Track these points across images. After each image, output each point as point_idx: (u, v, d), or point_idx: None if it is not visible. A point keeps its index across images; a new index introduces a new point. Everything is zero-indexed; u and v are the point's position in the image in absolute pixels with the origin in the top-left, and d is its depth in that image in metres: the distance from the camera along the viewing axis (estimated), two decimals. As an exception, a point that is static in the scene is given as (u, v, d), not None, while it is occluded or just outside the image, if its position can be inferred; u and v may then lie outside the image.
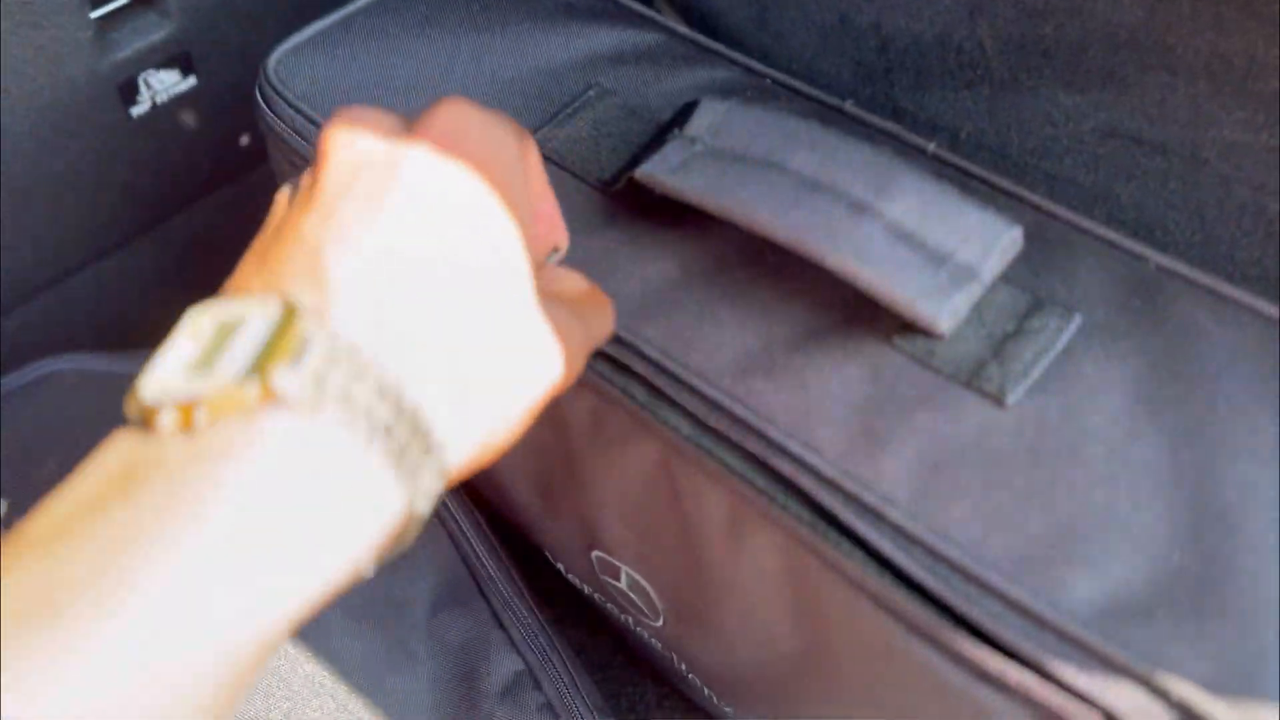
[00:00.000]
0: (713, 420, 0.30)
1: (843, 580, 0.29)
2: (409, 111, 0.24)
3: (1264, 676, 0.24)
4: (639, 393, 0.32)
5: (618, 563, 0.39)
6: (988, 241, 0.30)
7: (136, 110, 0.53)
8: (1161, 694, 0.24)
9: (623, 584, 0.40)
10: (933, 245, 0.30)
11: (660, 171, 0.33)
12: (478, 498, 0.45)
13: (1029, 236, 0.32)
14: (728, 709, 0.41)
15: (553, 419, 0.35)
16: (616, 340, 0.32)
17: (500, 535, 0.45)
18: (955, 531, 0.27)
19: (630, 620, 0.42)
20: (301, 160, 0.39)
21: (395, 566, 0.41)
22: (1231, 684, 0.24)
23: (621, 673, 0.47)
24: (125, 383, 0.46)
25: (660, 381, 0.31)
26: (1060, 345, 0.30)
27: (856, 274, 0.29)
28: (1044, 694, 0.25)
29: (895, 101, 0.42)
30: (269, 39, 0.56)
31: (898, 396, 0.29)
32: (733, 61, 0.40)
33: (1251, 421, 0.28)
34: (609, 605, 0.43)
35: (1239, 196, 0.35)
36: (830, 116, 0.37)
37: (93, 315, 0.58)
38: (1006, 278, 0.31)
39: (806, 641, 0.32)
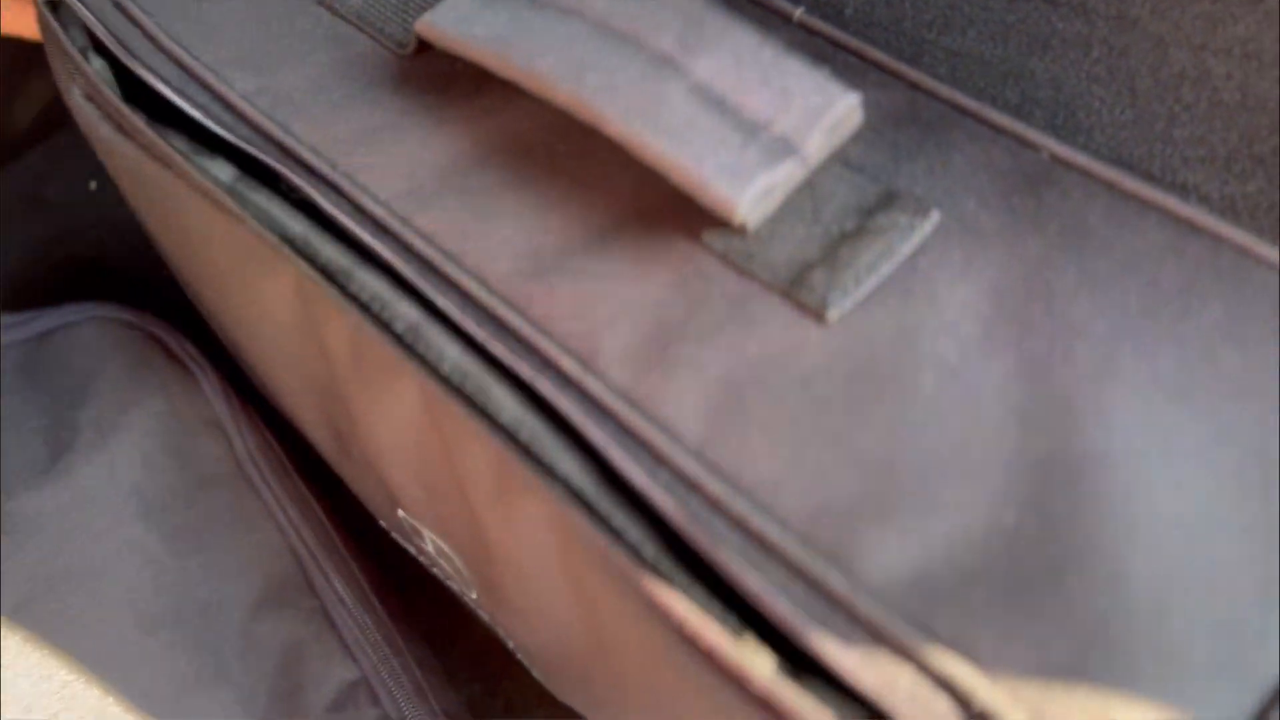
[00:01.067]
0: (480, 334, 0.24)
1: (610, 572, 0.23)
2: None
3: (1086, 672, 0.18)
4: (404, 311, 0.26)
5: (419, 524, 0.33)
6: (813, 110, 0.23)
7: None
8: (958, 696, 0.18)
9: (430, 549, 0.34)
10: (746, 113, 0.23)
11: (442, 22, 0.27)
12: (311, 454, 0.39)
13: (899, 119, 0.25)
14: (553, 688, 0.36)
15: (316, 342, 0.29)
16: (381, 230, 0.26)
17: (343, 515, 0.39)
18: (747, 476, 0.21)
19: (457, 588, 0.36)
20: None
21: (203, 564, 0.35)
22: (1048, 682, 0.18)
23: (495, 661, 0.40)
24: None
25: (425, 284, 0.25)
26: (907, 249, 0.23)
27: (641, 144, 0.23)
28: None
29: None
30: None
31: (704, 308, 0.23)
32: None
33: (1134, 349, 0.22)
34: (436, 570, 0.36)
35: (1176, 61, 0.29)
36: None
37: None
38: (858, 166, 0.25)
39: (591, 633, 0.26)
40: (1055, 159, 0.26)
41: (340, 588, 0.36)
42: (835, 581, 0.20)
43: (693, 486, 0.21)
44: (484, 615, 0.36)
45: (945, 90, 0.27)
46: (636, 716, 0.28)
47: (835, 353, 0.22)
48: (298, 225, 0.28)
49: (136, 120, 0.31)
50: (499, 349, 0.24)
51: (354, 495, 0.39)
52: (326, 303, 0.27)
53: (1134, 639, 0.19)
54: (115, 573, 0.34)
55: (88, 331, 0.40)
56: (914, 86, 0.27)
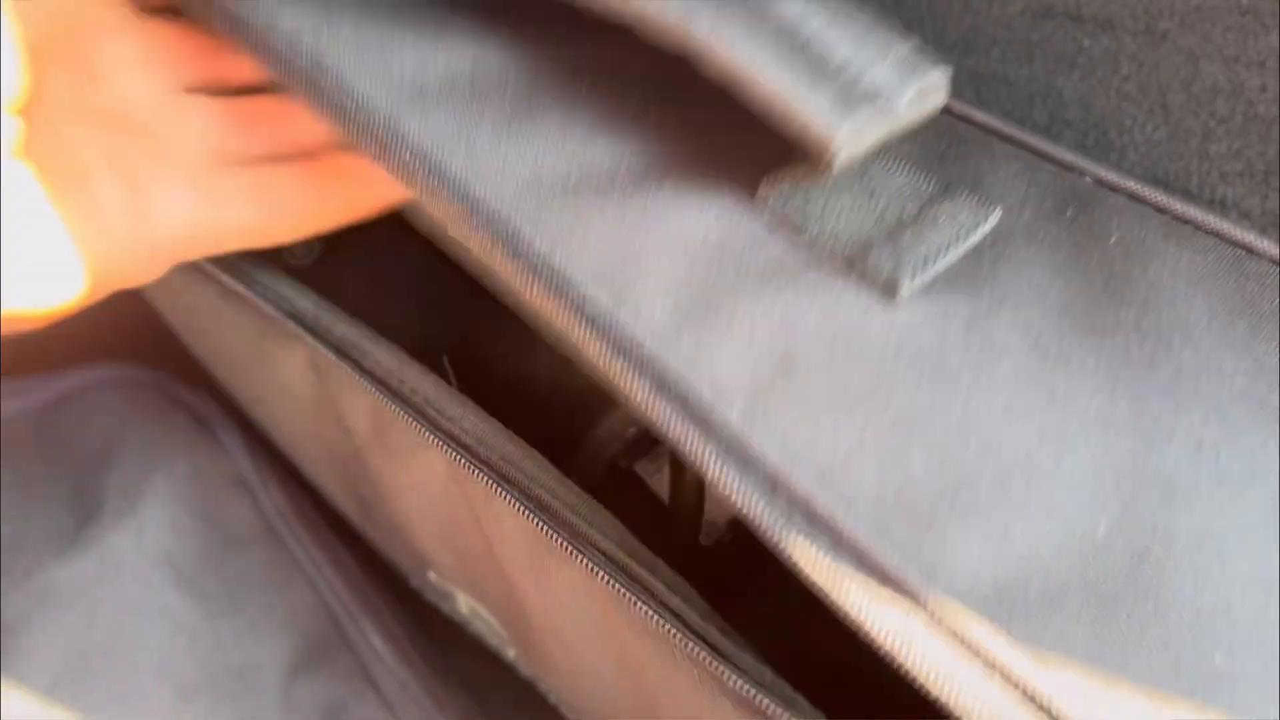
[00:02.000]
0: (481, 255, 0.22)
1: (654, 639, 0.22)
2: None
3: (1161, 702, 0.17)
4: (422, 385, 0.25)
5: (452, 586, 0.32)
6: (906, 70, 0.22)
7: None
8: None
9: (463, 609, 0.33)
10: (837, 59, 0.21)
11: None
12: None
13: (940, 133, 0.25)
14: None
15: (335, 417, 0.28)
16: (370, 134, 0.23)
17: (375, 568, 0.38)
18: (805, 450, 0.19)
19: (494, 646, 0.35)
20: None
21: (237, 628, 0.34)
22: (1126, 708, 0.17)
23: (535, 710, 0.40)
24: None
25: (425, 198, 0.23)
26: (973, 240, 0.22)
27: (733, 63, 0.21)
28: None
29: None
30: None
31: (754, 264, 0.22)
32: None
33: (1213, 365, 0.21)
34: (471, 627, 0.36)
35: (1208, 75, 0.28)
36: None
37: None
38: (911, 158, 0.24)
39: (635, 693, 0.26)
40: (1099, 182, 0.25)
41: (378, 644, 0.35)
42: (913, 582, 0.18)
43: (746, 457, 0.19)
44: (523, 670, 0.35)
45: (979, 115, 0.27)
46: None
47: (904, 333, 0.21)
48: (306, 302, 0.28)
49: None
50: (505, 268, 0.22)
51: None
52: (343, 378, 0.27)
53: (1208, 678, 0.18)
54: (150, 643, 0.33)
55: (105, 394, 0.39)
56: (947, 110, 0.27)
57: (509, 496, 0.24)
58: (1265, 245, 0.24)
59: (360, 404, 0.27)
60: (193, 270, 0.29)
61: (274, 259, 0.35)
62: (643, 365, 0.20)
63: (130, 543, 0.35)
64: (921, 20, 0.32)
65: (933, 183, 0.23)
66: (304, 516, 0.37)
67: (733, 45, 0.21)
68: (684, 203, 0.22)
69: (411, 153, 0.22)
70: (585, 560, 0.23)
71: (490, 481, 0.24)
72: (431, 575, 0.33)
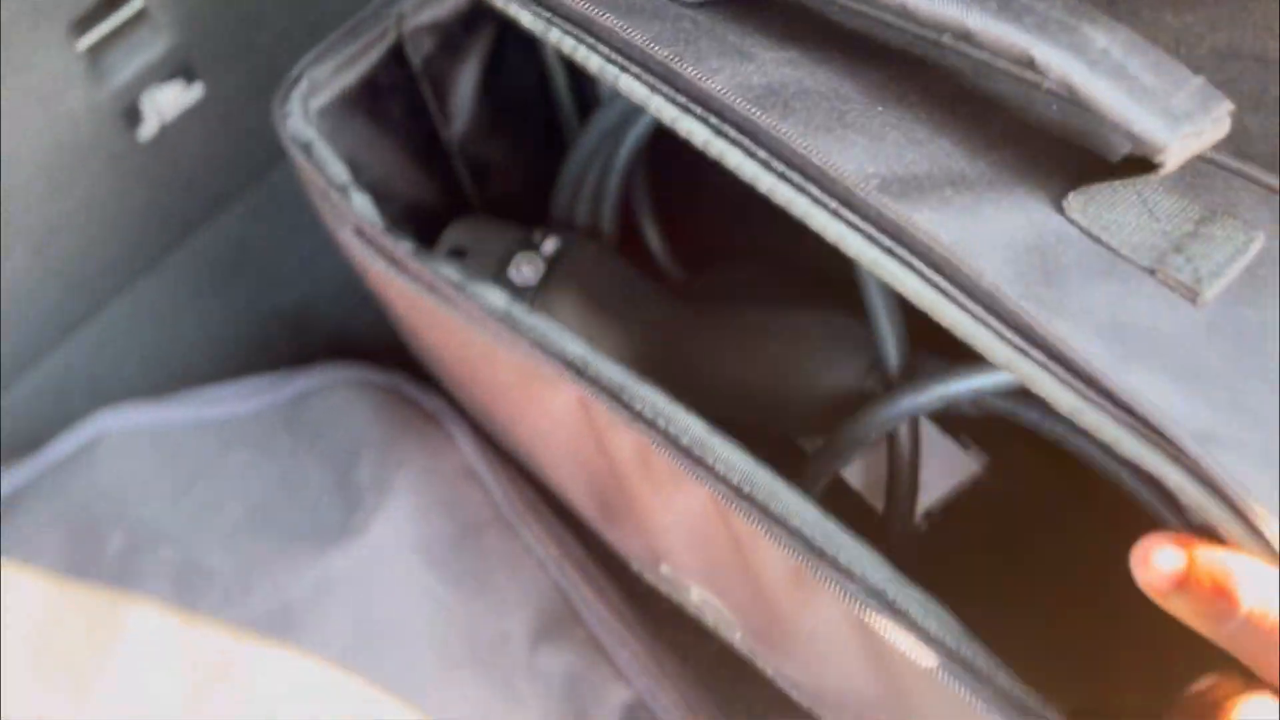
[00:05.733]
0: (850, 229, 0.26)
1: (918, 669, 0.26)
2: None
3: None
4: (689, 425, 0.29)
5: (686, 580, 0.36)
6: (1203, 99, 0.26)
7: (144, 132, 0.49)
8: None
9: (694, 598, 0.37)
10: (1145, 83, 0.25)
11: None
12: (548, 497, 0.43)
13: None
14: (816, 713, 0.39)
15: (598, 447, 0.32)
16: (717, 111, 0.27)
17: (587, 549, 0.43)
18: (1145, 392, 0.23)
19: (710, 625, 0.39)
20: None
21: (484, 603, 0.39)
22: None
23: (731, 673, 0.44)
24: (172, 437, 0.44)
25: (786, 187, 0.27)
26: (1251, 254, 0.26)
27: (1070, 76, 0.25)
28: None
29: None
30: (273, 34, 0.52)
31: (1072, 261, 0.26)
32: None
33: None
34: (688, 608, 0.40)
35: None
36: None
37: (133, 340, 0.56)
38: (1170, 185, 0.27)
39: (885, 688, 0.30)
40: None
41: (606, 615, 0.40)
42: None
43: (1101, 393, 0.23)
44: (741, 649, 0.39)
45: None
46: None
47: (1211, 327, 0.25)
48: (577, 348, 0.31)
49: (413, 261, 0.33)
50: (863, 243, 0.25)
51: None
52: (611, 416, 0.30)
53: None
54: (415, 620, 0.38)
55: (343, 393, 0.44)
56: None
57: (773, 533, 0.28)
58: None
59: (626, 440, 0.30)
60: (471, 316, 0.32)
61: (500, 280, 0.39)
62: (1005, 328, 0.24)
63: (390, 532, 0.40)
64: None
65: (1199, 205, 0.27)
66: (530, 505, 0.42)
67: (1070, 63, 0.25)
68: (999, 205, 0.26)
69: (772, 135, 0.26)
70: (845, 595, 0.27)
71: (755, 518, 0.28)
72: (664, 569, 0.37)
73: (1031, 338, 0.24)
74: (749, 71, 0.29)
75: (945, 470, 0.39)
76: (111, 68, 0.46)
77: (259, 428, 0.44)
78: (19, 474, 0.43)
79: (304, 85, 0.36)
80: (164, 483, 0.41)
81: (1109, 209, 0.27)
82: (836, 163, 0.26)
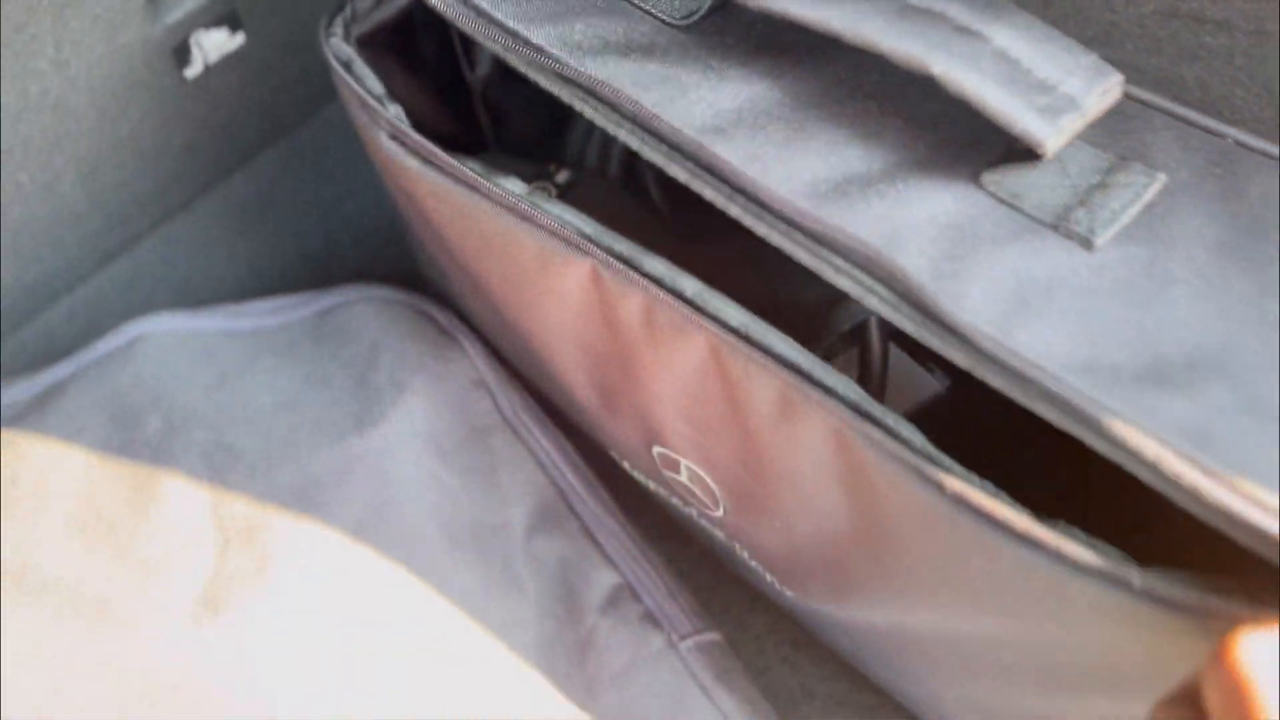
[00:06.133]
0: (789, 241, 0.31)
1: (889, 457, 0.30)
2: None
3: None
4: (688, 285, 0.33)
5: (677, 456, 0.40)
6: (1091, 78, 0.30)
7: (190, 72, 0.54)
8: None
9: (683, 477, 0.41)
10: (1038, 74, 0.30)
11: None
12: (548, 408, 0.47)
13: (1110, 112, 0.32)
14: (789, 594, 0.43)
15: (604, 318, 0.36)
16: (684, 155, 0.33)
17: (581, 454, 0.46)
18: (1038, 352, 0.28)
19: (694, 512, 0.43)
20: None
21: (487, 495, 0.43)
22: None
23: (709, 579, 0.48)
24: (205, 341, 0.48)
25: (732, 204, 0.32)
26: (1144, 199, 0.30)
27: (963, 85, 0.30)
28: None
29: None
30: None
31: (984, 233, 0.30)
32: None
33: None
34: (674, 499, 0.44)
35: (1308, 67, 0.35)
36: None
37: (165, 275, 0.60)
38: (1089, 140, 0.32)
39: (860, 517, 0.33)
40: (1238, 144, 0.32)
41: (597, 510, 0.44)
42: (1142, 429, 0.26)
43: (992, 360, 0.28)
44: (719, 534, 0.43)
45: (1139, 90, 0.34)
46: (885, 585, 0.35)
47: (1101, 270, 0.29)
48: (588, 225, 0.36)
49: (440, 153, 0.38)
50: (800, 251, 0.31)
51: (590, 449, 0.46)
52: (621, 282, 0.35)
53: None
54: (423, 501, 0.42)
55: (366, 307, 0.48)
56: None
57: (765, 366, 0.32)
58: None
59: (634, 303, 0.35)
60: (490, 200, 0.37)
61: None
62: (911, 309, 0.29)
63: (404, 425, 0.43)
64: (1067, 17, 0.39)
65: (1110, 156, 0.31)
66: (533, 414, 0.46)
67: (965, 73, 0.30)
68: (925, 191, 0.31)
69: (725, 170, 0.32)
70: (829, 414, 0.31)
71: (749, 354, 0.32)
72: (656, 449, 0.41)
73: (929, 313, 0.29)
74: (719, 96, 0.33)
75: (909, 389, 0.43)
76: (167, 5, 0.50)
77: (285, 337, 0.48)
78: (64, 367, 0.47)
79: (348, 12, 0.41)
80: (198, 377, 0.45)
81: (1025, 175, 0.31)
82: (778, 178, 0.31)
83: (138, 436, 0.43)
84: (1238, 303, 0.28)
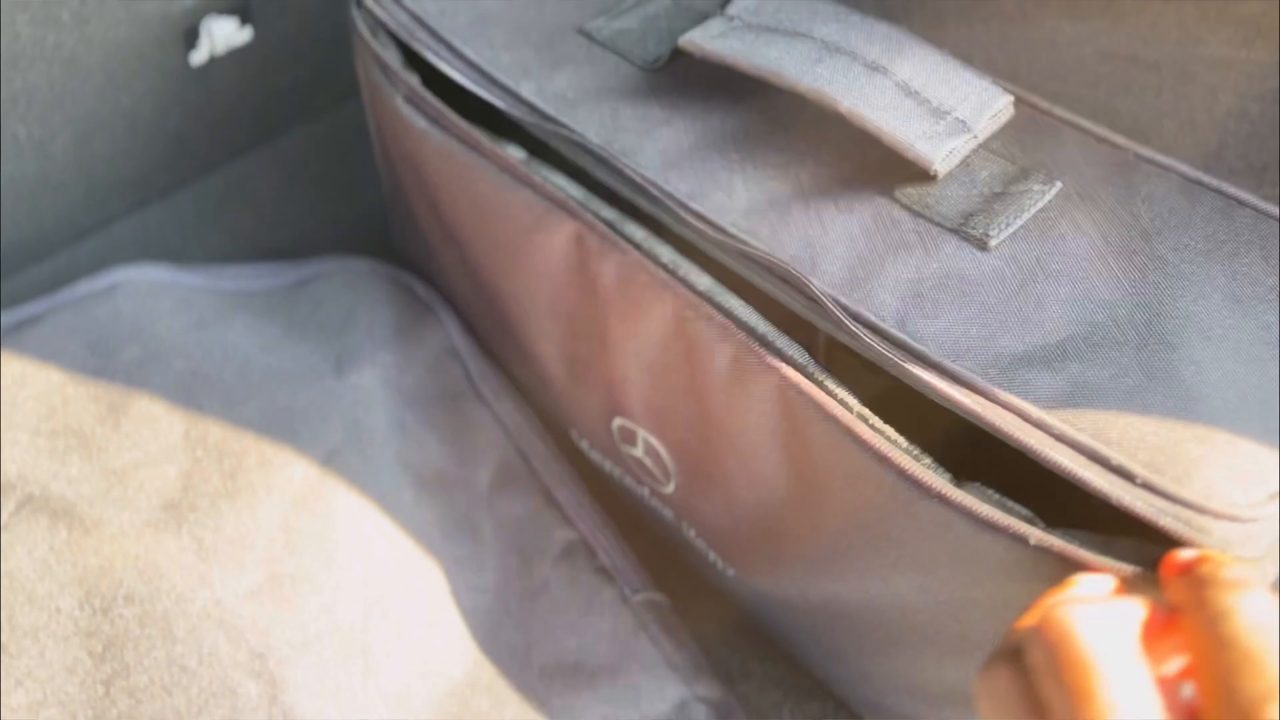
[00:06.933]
0: (725, 254, 0.34)
1: (828, 419, 0.33)
2: None
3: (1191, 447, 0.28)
4: (664, 252, 0.36)
5: (635, 427, 0.42)
6: (982, 103, 0.35)
7: (196, 58, 0.56)
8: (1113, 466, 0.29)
9: (639, 450, 0.43)
10: (935, 102, 0.35)
11: (701, 39, 0.38)
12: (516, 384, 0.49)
13: (1023, 126, 0.37)
14: (730, 572, 0.44)
15: (583, 281, 0.39)
16: (644, 191, 0.37)
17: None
18: (933, 337, 0.32)
19: (646, 491, 0.45)
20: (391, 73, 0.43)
21: (455, 451, 0.44)
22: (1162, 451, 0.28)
23: (657, 568, 0.49)
24: (186, 292, 0.49)
25: (684, 227, 0.35)
26: (1041, 204, 0.35)
27: (865, 119, 0.34)
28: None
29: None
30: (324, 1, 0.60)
31: (893, 239, 0.34)
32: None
33: (1198, 270, 0.32)
34: (627, 479, 0.46)
35: (1225, 104, 0.40)
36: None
37: (136, 259, 0.61)
38: (999, 153, 0.36)
39: (797, 480, 0.36)
40: (1138, 156, 0.36)
41: (557, 472, 0.45)
42: (1011, 401, 0.30)
43: (895, 343, 0.32)
44: (668, 513, 0.45)
45: (1057, 110, 0.38)
46: (817, 549, 0.37)
47: (994, 268, 0.33)
48: (577, 190, 0.39)
49: (452, 114, 0.41)
50: (739, 267, 0.35)
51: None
52: (602, 245, 0.38)
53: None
54: (393, 444, 0.43)
55: (346, 277, 0.50)
56: (1033, 107, 0.38)
57: (727, 324, 0.35)
58: (1252, 199, 0.35)
59: (612, 266, 0.37)
60: (491, 160, 0.40)
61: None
62: (823, 313, 0.33)
63: (378, 376, 0.45)
64: (1020, 54, 0.44)
65: (1015, 167, 0.35)
66: (500, 383, 0.48)
67: (867, 109, 0.35)
68: (843, 208, 0.35)
69: (676, 201, 0.36)
70: (780, 376, 0.33)
71: (711, 318, 0.35)
72: (617, 422, 0.43)
73: (837, 317, 0.33)
74: (675, 133, 0.38)
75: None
76: (187, -16, 0.53)
77: (265, 298, 0.49)
78: (42, 303, 0.48)
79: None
80: (177, 320, 0.46)
81: (935, 188, 0.36)
82: (717, 206, 0.36)
83: (115, 362, 0.44)
84: (1109, 293, 0.32)
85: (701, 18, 0.41)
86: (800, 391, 0.34)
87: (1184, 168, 0.36)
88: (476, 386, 0.47)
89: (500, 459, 0.45)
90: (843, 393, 0.33)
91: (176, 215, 0.62)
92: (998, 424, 0.30)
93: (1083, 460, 0.29)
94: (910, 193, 0.35)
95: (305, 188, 0.65)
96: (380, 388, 0.44)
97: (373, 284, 0.49)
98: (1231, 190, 0.35)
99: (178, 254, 0.62)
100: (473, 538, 0.42)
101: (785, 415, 0.35)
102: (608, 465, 0.47)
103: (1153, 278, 0.32)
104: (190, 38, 0.55)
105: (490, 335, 0.48)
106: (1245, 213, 0.34)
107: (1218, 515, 0.27)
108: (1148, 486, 0.28)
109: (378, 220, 0.57)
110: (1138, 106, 0.42)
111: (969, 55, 0.46)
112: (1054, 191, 0.35)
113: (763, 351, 0.34)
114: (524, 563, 0.42)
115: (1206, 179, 0.36)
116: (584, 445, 0.47)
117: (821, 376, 0.33)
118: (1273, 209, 0.35)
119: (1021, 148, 0.37)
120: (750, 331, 0.34)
